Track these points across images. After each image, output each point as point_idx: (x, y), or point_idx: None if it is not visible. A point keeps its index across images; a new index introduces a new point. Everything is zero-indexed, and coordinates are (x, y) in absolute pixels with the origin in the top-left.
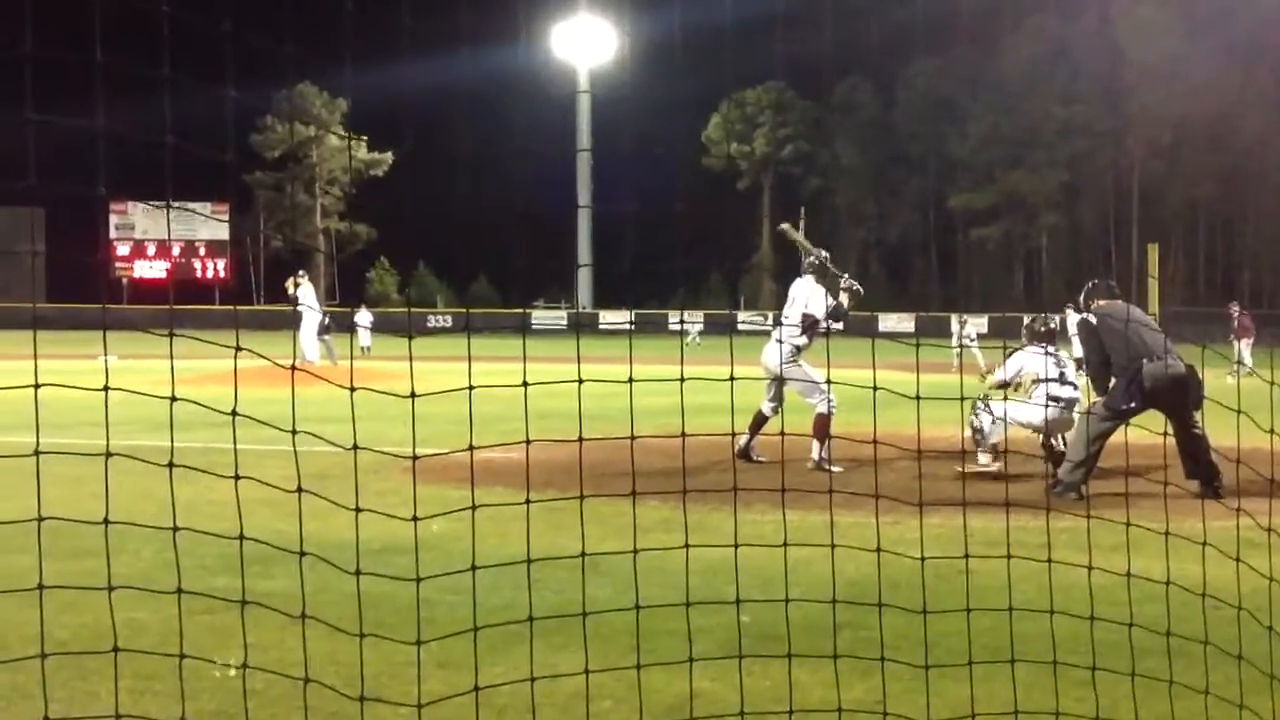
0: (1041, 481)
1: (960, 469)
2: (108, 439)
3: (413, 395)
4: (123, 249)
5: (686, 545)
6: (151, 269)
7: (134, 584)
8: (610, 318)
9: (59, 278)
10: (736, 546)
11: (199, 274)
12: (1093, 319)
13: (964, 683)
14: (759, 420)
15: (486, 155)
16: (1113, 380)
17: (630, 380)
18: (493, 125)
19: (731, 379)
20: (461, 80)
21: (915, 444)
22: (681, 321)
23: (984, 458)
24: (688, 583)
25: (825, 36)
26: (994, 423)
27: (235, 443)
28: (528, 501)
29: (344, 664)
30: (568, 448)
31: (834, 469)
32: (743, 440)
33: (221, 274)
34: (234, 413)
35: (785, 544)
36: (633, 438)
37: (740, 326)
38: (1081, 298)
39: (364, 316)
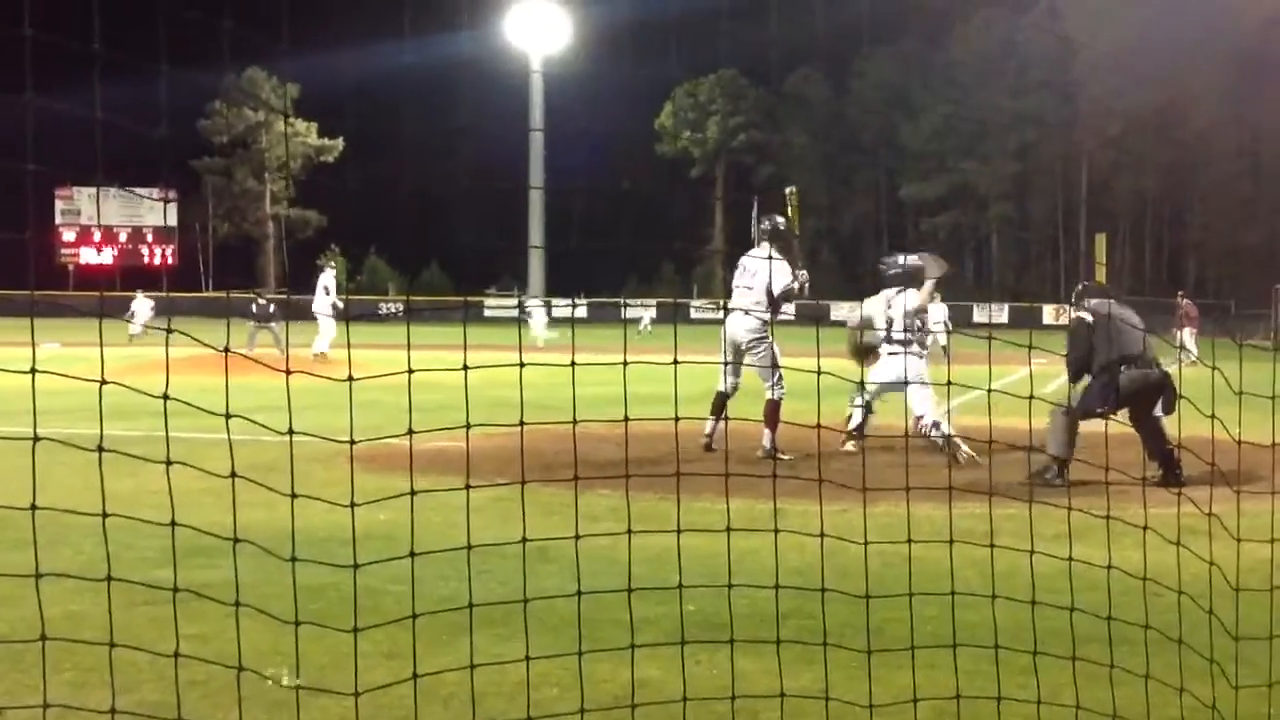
0: (989, 468)
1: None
2: (35, 425)
3: (350, 380)
4: (68, 235)
5: (629, 532)
6: (98, 256)
7: (71, 578)
8: (561, 305)
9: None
10: (679, 532)
11: (146, 260)
12: (1088, 317)
13: (907, 670)
14: (720, 403)
15: (436, 140)
16: (1087, 378)
17: (573, 364)
18: (443, 110)
19: (675, 363)
20: (411, 65)
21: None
22: (624, 305)
23: (850, 445)
24: (630, 571)
25: (776, 25)
26: (855, 403)
27: (167, 430)
28: (467, 488)
29: (287, 654)
30: (517, 439)
31: (784, 457)
32: (708, 427)
33: (170, 260)
34: (164, 396)
35: (729, 529)
36: (575, 422)
37: (694, 315)
38: (1074, 297)
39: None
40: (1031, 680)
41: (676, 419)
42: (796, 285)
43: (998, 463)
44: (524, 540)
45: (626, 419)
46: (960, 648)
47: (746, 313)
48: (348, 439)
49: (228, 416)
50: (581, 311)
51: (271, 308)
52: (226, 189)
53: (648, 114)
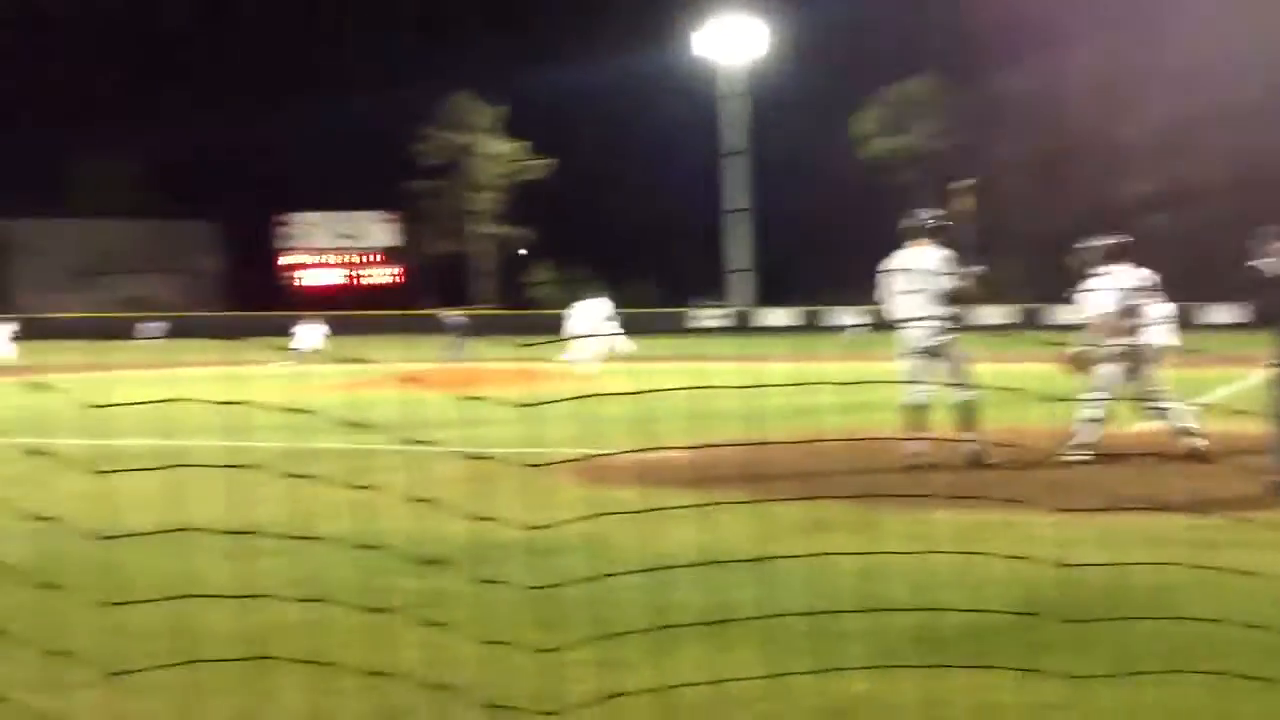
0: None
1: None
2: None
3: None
4: (297, 259)
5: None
6: (325, 277)
7: (318, 583)
8: (770, 316)
9: (235, 288)
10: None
11: (368, 281)
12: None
13: (1122, 688)
14: (918, 417)
15: (641, 155)
16: None
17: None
18: (648, 128)
19: (897, 381)
20: (615, 84)
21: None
22: (843, 324)
23: (1076, 455)
24: (842, 584)
25: (981, 25)
26: (1088, 415)
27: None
28: (670, 506)
29: (495, 664)
30: (732, 448)
31: (991, 461)
32: (912, 446)
33: (390, 280)
34: (309, 412)
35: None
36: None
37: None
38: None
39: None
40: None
41: (897, 438)
42: (967, 283)
43: (1234, 471)
44: (697, 558)
45: (813, 438)
46: (1197, 673)
47: (924, 319)
48: (572, 454)
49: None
50: (782, 319)
51: (463, 322)
52: (440, 209)
53: (848, 120)
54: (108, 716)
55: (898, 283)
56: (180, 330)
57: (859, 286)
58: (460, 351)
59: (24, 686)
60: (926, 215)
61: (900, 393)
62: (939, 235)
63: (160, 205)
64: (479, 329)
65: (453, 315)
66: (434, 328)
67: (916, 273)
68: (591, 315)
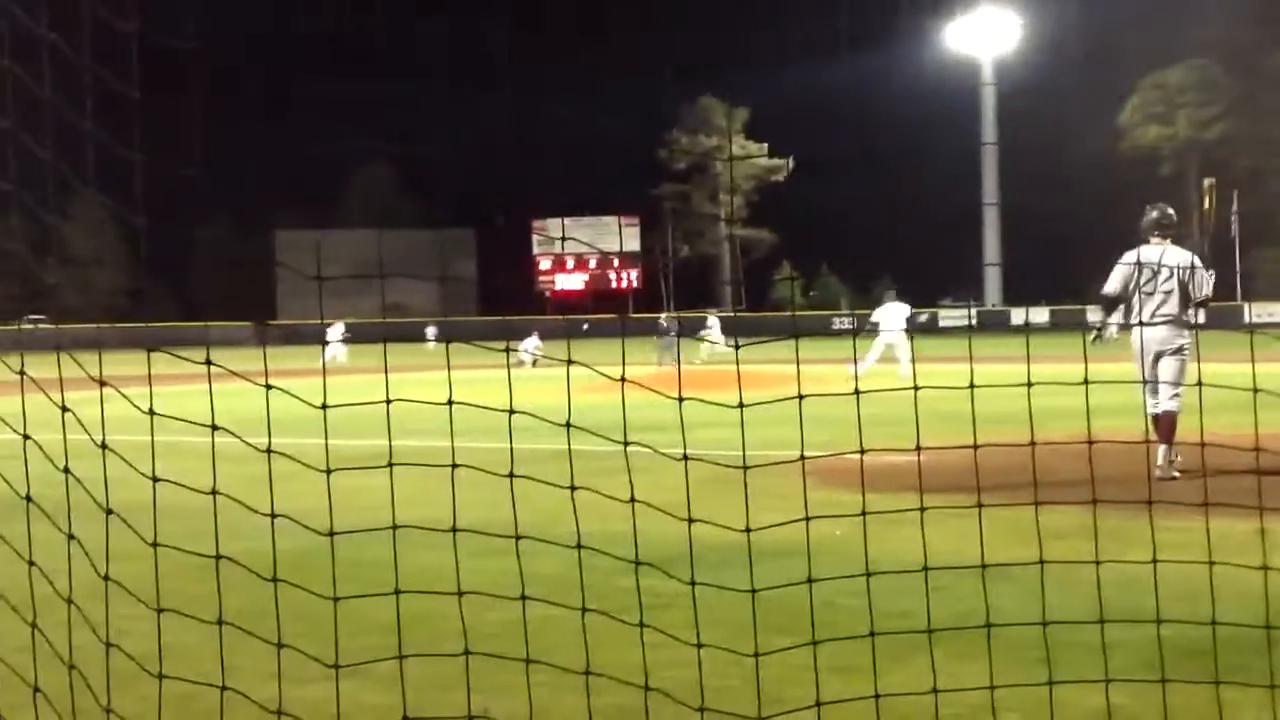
0: None
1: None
2: (452, 444)
3: (799, 397)
4: (545, 264)
5: (1096, 561)
6: (570, 282)
7: (547, 584)
8: (1020, 315)
9: (488, 292)
10: (1155, 562)
11: (613, 285)
12: None
13: None
14: (1168, 421)
15: (888, 156)
16: None
17: (1029, 383)
18: (894, 125)
19: (1144, 381)
20: (857, 82)
21: None
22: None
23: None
24: (1100, 594)
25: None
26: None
27: (575, 447)
28: (920, 509)
29: (746, 665)
30: (969, 451)
31: (1176, 475)
32: (1159, 456)
33: (634, 284)
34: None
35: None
36: (1033, 443)
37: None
38: None
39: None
40: None
41: (1146, 441)
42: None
43: None
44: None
45: (1090, 440)
46: None
47: (1169, 319)
48: (798, 455)
49: (626, 440)
50: (1043, 318)
51: (675, 326)
52: (684, 213)
53: (1109, 112)
54: (334, 709)
55: (1134, 279)
56: (441, 335)
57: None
58: (674, 354)
59: (257, 676)
60: (1165, 211)
61: (1141, 396)
62: (1168, 232)
63: (420, 214)
64: (727, 330)
65: (668, 319)
66: (661, 331)
67: (1166, 275)
68: (893, 319)
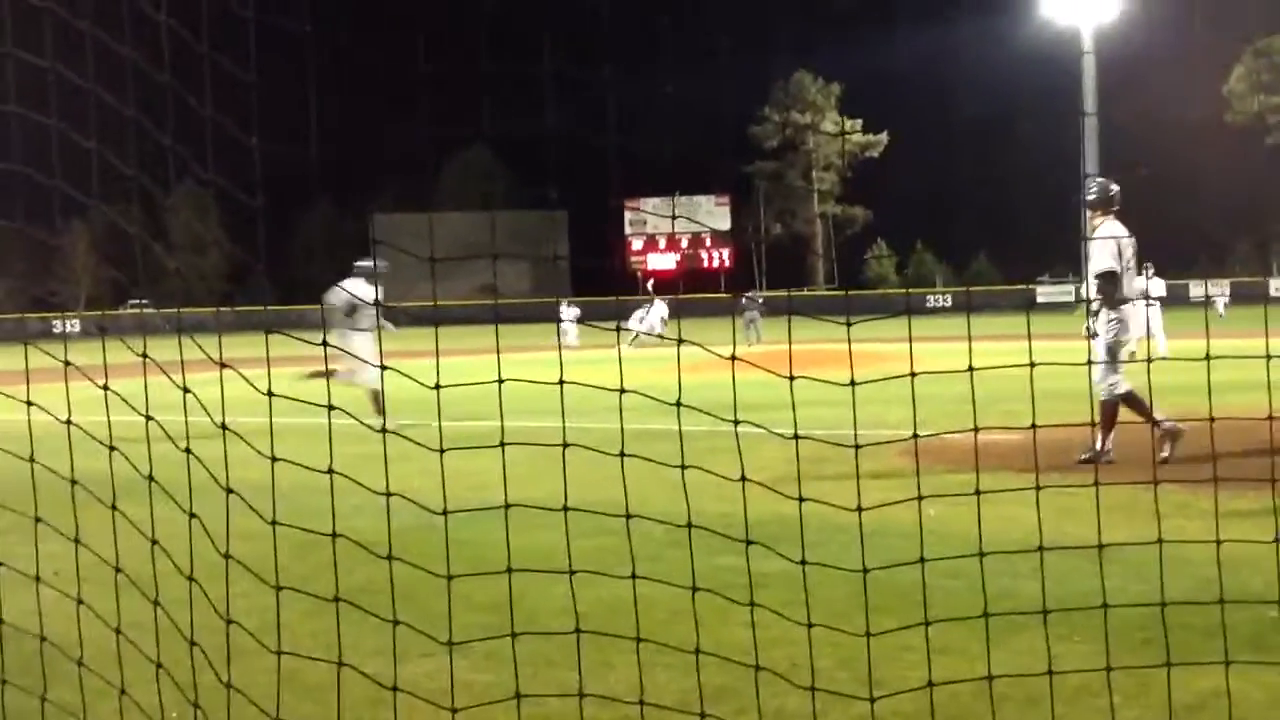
0: None
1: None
2: (563, 423)
3: (912, 374)
4: (637, 244)
5: (1217, 540)
6: (662, 261)
7: (648, 562)
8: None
9: (581, 274)
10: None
11: (705, 264)
12: None
13: None
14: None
15: (985, 129)
16: None
17: (1148, 359)
18: (991, 98)
19: (1268, 356)
20: (953, 52)
21: None
22: (1206, 295)
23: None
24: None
25: None
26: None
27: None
28: (1037, 488)
29: (842, 644)
30: (1074, 430)
31: (1107, 460)
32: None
33: (726, 263)
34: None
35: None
36: (1153, 421)
37: (1273, 293)
38: None
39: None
40: None
41: (1271, 418)
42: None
43: None
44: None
45: (1212, 417)
46: None
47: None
48: (904, 434)
49: (736, 421)
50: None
51: (758, 301)
52: (777, 191)
53: (1215, 80)
54: (441, 684)
55: (1120, 254)
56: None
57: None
58: (758, 334)
59: (366, 652)
60: (1095, 186)
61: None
62: (1107, 209)
63: (514, 195)
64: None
65: (750, 297)
66: (741, 309)
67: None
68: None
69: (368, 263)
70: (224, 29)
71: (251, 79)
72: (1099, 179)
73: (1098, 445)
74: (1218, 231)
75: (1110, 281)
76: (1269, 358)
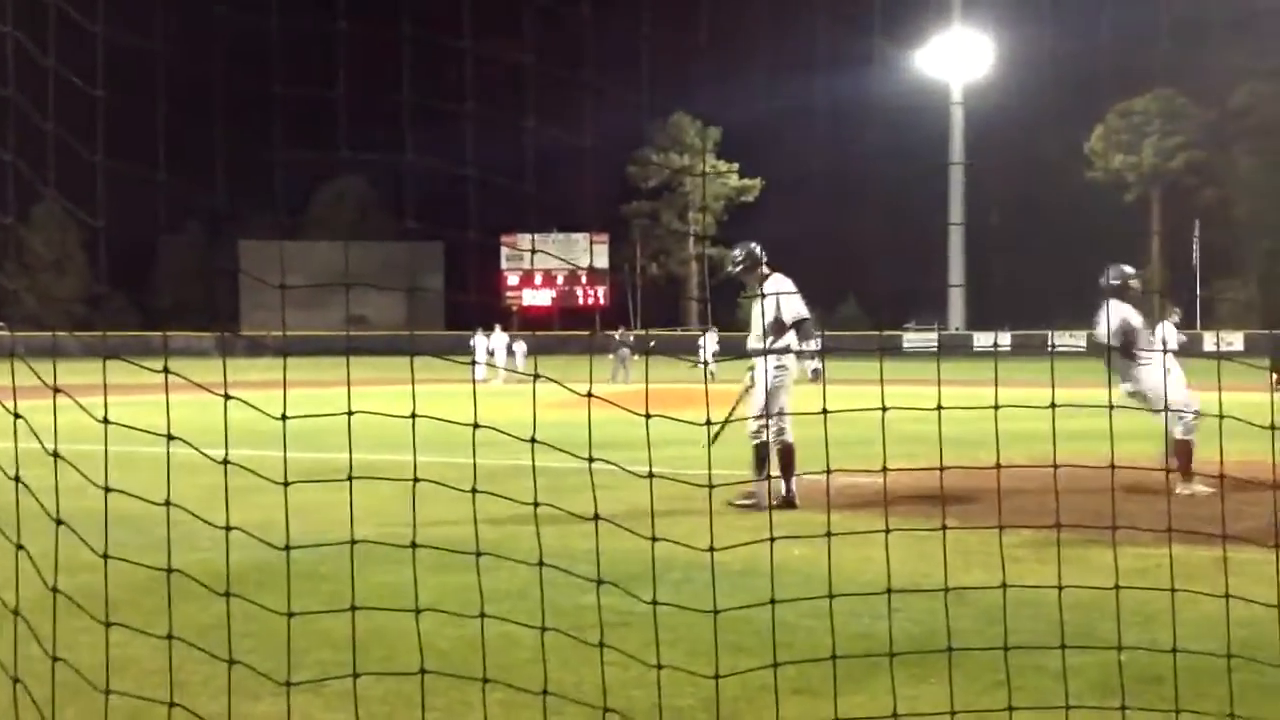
0: None
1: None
2: (414, 458)
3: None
4: (512, 279)
5: (1060, 585)
6: (538, 297)
7: (509, 600)
8: (983, 339)
9: (455, 307)
10: (1117, 588)
11: (580, 301)
12: None
13: None
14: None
15: (851, 176)
16: None
17: (995, 406)
18: (861, 146)
19: (1110, 406)
20: (826, 102)
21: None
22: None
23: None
24: (1060, 618)
25: (1219, 40)
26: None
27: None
28: (886, 530)
29: (702, 685)
30: (933, 473)
31: (742, 503)
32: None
33: (601, 301)
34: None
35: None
36: (999, 465)
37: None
38: None
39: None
40: None
41: (1113, 466)
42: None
43: None
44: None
45: (1056, 464)
46: None
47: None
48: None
49: (591, 459)
50: (1005, 341)
51: (629, 339)
52: (652, 231)
53: (1076, 138)
54: None
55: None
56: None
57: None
58: (627, 372)
59: (215, 690)
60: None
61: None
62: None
63: (388, 226)
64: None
65: (622, 335)
66: (615, 347)
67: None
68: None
69: None
70: (70, 44)
71: (99, 94)
72: (749, 245)
73: (783, 488)
74: (1078, 283)
75: (795, 328)
76: (1111, 407)
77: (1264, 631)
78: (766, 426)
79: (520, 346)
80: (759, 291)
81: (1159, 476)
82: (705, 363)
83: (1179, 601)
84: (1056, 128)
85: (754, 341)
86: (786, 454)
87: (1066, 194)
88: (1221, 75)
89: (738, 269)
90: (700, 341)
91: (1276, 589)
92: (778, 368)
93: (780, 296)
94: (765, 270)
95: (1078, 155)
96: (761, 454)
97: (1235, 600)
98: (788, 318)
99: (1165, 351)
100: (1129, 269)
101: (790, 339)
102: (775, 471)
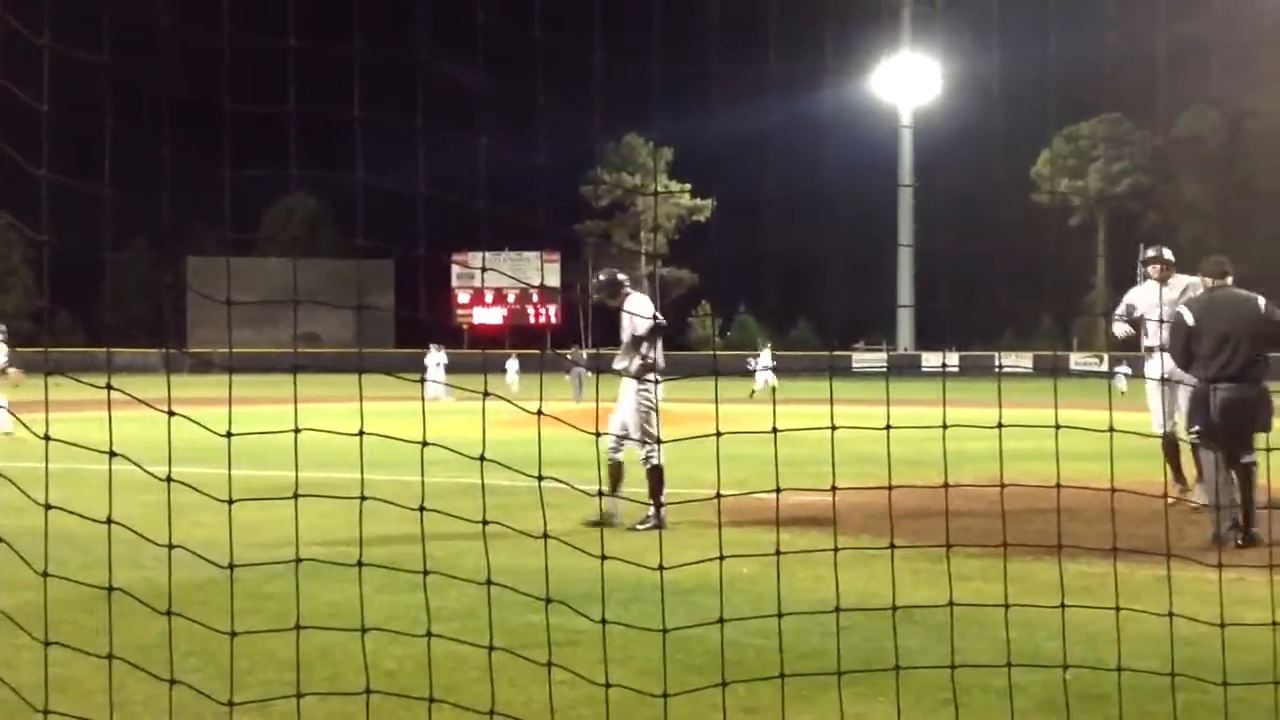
0: None
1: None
2: (361, 476)
3: (718, 434)
4: (463, 297)
5: (1006, 604)
6: (489, 316)
7: (456, 620)
8: (932, 360)
9: (405, 325)
10: (1063, 607)
11: (532, 320)
12: (1183, 306)
13: None
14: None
15: (803, 198)
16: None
17: (944, 425)
18: (811, 168)
19: (1056, 426)
20: (778, 124)
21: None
22: (1000, 365)
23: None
24: (1005, 635)
25: (1162, 66)
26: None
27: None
28: (835, 549)
29: (650, 703)
30: (882, 492)
31: (640, 528)
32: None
33: (553, 319)
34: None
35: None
36: (946, 485)
37: (1074, 368)
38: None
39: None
40: None
41: (1059, 485)
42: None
43: None
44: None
45: (1002, 484)
46: None
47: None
48: (716, 494)
49: (540, 477)
50: (953, 362)
51: (583, 357)
52: (605, 250)
53: (1023, 162)
54: None
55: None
56: (347, 366)
57: (1029, 332)
58: (580, 391)
59: (148, 712)
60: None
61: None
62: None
63: (338, 243)
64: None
65: (575, 355)
66: (569, 365)
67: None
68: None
69: None
70: (15, 58)
71: (43, 108)
72: (609, 270)
73: (650, 511)
74: (1023, 306)
75: (648, 342)
76: (1058, 427)
77: (1207, 650)
78: (655, 450)
79: (442, 357)
80: (624, 309)
81: (1104, 496)
82: (766, 381)
83: (1123, 620)
84: (1004, 151)
85: (619, 361)
86: (655, 475)
87: (1013, 217)
88: (1168, 102)
89: (600, 294)
90: (750, 364)
91: (1219, 607)
92: (641, 391)
93: (633, 315)
94: (627, 291)
95: (1024, 179)
96: (655, 478)
97: (1179, 618)
98: (640, 331)
99: (1162, 351)
100: (1150, 251)
101: (654, 354)
102: (607, 489)
